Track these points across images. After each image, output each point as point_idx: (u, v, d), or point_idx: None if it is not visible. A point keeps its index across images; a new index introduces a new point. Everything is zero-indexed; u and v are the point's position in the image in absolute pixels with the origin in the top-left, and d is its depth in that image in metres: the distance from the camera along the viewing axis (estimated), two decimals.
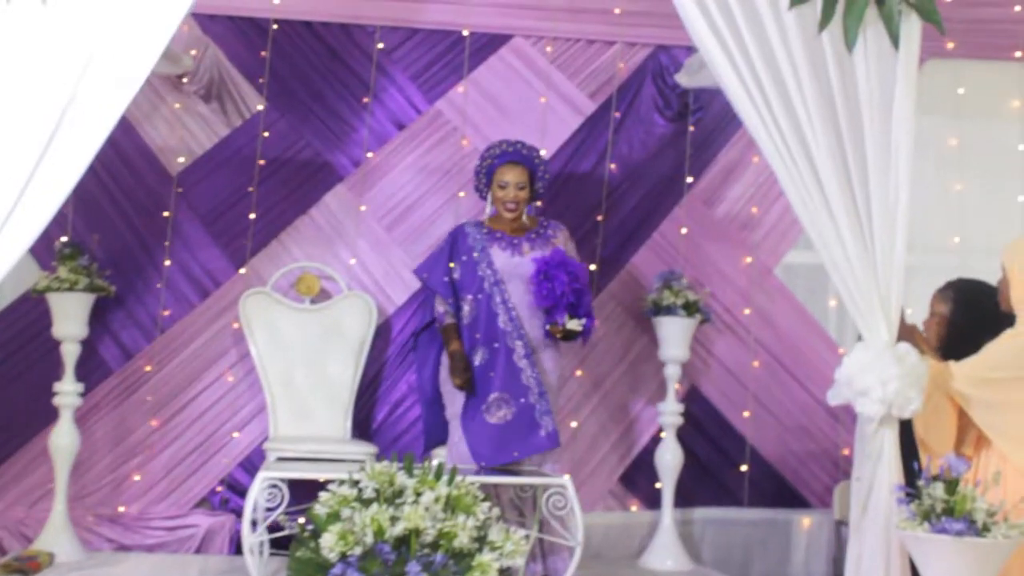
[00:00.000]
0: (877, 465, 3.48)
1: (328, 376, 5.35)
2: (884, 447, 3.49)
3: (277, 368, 5.29)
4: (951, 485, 3.12)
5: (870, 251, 3.53)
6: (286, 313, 5.38)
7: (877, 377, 3.41)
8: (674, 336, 5.38)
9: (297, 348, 5.33)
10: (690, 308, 5.38)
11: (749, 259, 5.80)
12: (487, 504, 3.07)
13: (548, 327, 4.59)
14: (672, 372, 5.43)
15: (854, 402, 3.49)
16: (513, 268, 4.70)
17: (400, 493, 2.98)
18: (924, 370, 3.47)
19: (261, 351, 5.29)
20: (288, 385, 5.28)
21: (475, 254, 4.74)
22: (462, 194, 5.63)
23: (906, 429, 3.57)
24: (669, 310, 5.35)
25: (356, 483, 3.07)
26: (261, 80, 5.53)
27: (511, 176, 4.75)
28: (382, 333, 5.53)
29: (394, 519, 2.90)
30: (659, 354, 5.44)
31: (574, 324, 4.52)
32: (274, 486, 4.02)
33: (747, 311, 5.77)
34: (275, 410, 5.23)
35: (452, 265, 4.75)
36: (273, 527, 4.00)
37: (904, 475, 3.46)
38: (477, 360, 4.64)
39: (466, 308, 4.70)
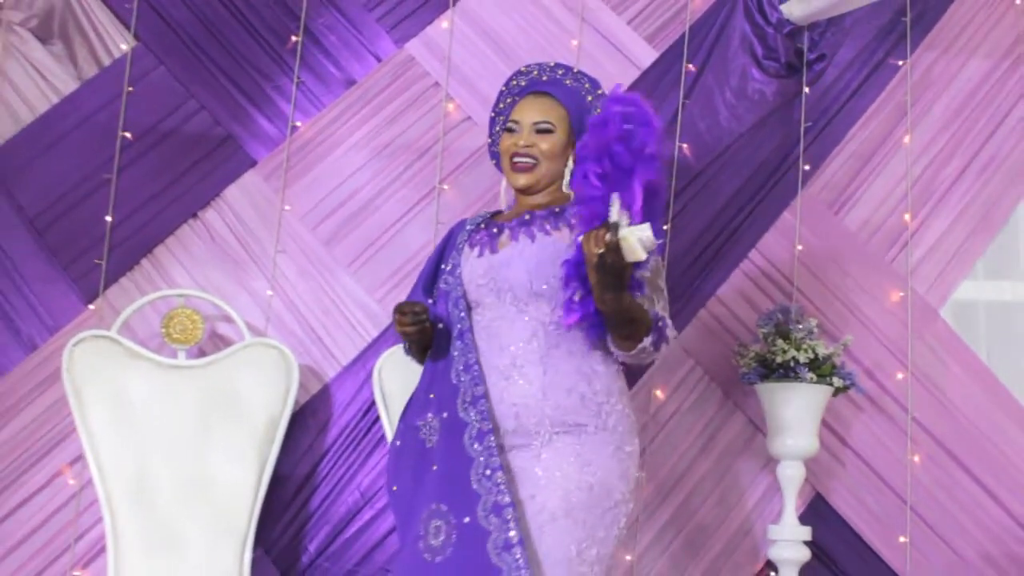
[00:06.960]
0: None
1: (212, 480, 3.20)
2: None
3: (123, 466, 3.15)
4: None
5: None
6: (143, 373, 3.26)
7: None
8: (795, 415, 3.41)
9: (159, 432, 3.19)
10: (821, 368, 3.40)
11: (900, 294, 3.83)
12: None
13: (580, 239, 2.30)
14: (791, 474, 3.47)
15: None
16: (481, 276, 2.53)
17: None
18: None
19: (95, 437, 3.16)
20: (139, 496, 3.13)
21: (451, 261, 2.66)
22: (445, 187, 3.70)
23: None
24: (786, 372, 3.37)
25: None
26: (129, 6, 3.69)
27: (526, 113, 2.62)
28: (314, 409, 3.50)
29: None
30: (768, 445, 3.53)
31: (635, 231, 2.17)
32: None
33: (899, 375, 3.77)
34: (117, 539, 3.10)
35: (444, 267, 2.67)
36: None
37: None
38: (427, 438, 2.52)
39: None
